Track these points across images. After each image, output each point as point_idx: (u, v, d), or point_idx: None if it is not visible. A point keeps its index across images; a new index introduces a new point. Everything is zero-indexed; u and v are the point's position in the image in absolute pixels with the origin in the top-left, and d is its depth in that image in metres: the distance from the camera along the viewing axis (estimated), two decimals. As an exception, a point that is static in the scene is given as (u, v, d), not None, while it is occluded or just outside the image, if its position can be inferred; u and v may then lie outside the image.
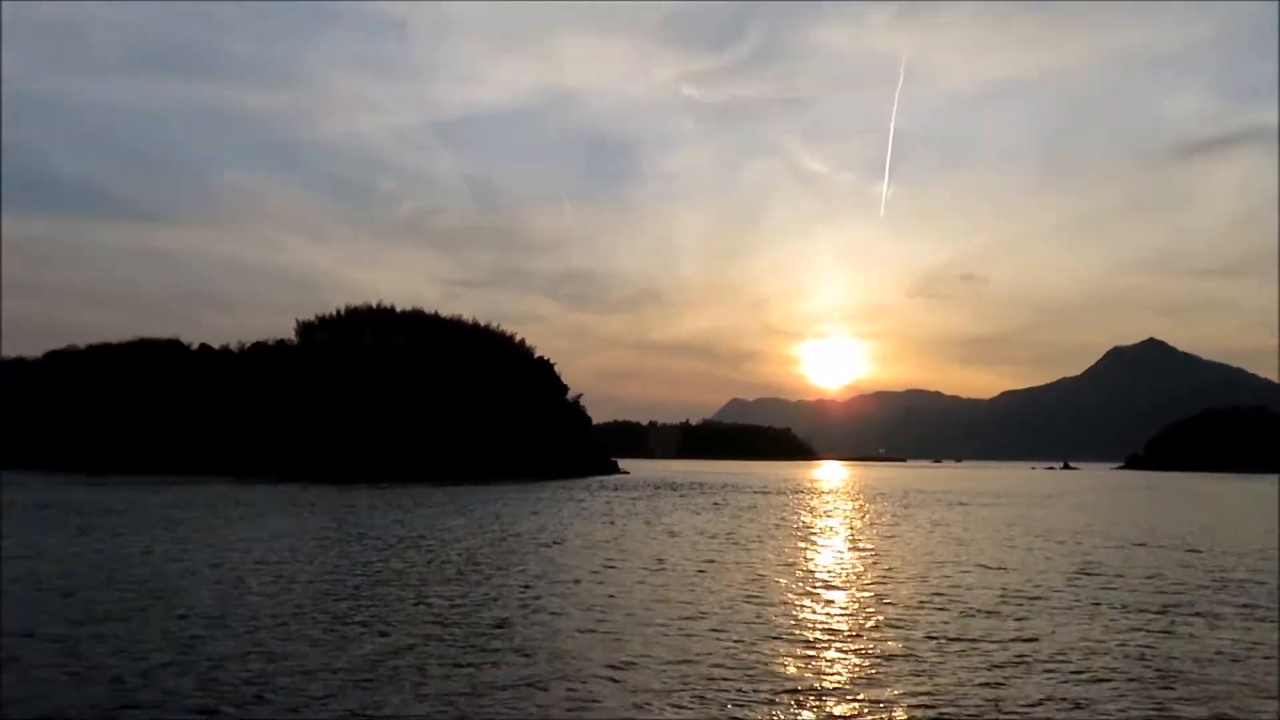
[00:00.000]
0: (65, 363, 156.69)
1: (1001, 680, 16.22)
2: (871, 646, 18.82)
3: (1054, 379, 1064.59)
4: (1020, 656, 18.04)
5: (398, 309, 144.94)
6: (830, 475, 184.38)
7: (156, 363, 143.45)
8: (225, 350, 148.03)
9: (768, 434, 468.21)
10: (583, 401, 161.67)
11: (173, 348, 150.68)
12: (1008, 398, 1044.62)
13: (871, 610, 23.13)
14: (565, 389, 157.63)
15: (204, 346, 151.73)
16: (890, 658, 17.82)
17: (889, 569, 31.53)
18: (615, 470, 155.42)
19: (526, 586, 26.19)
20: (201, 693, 14.63)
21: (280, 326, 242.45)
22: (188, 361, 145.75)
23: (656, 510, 61.72)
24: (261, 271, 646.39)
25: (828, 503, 77.10)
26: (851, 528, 50.86)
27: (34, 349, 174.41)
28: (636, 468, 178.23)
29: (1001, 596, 25.53)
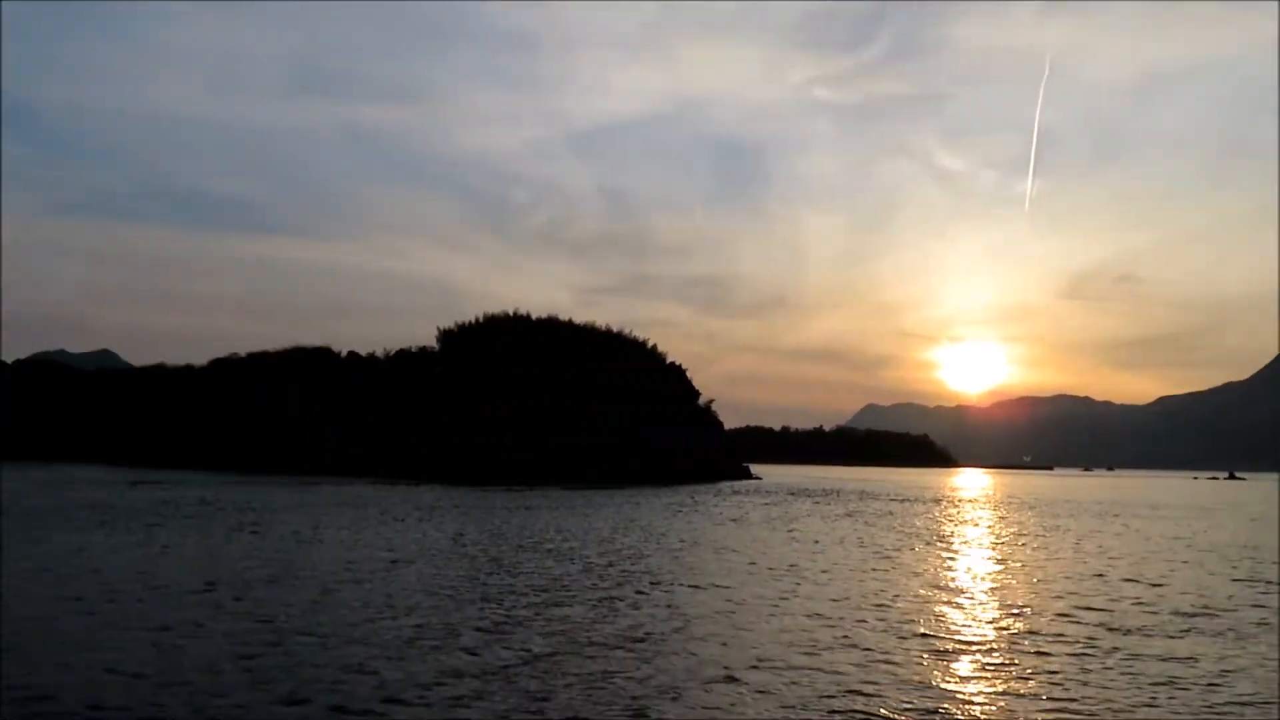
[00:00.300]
0: (228, 370, 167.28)
1: (1151, 702, 15.36)
2: (1011, 660, 18.11)
3: (1218, 383, 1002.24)
4: (1175, 679, 17.02)
5: (533, 316, 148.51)
6: (971, 483, 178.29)
7: (309, 369, 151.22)
8: (371, 357, 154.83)
9: (904, 440, 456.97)
10: (714, 407, 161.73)
11: (323, 355, 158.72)
12: (1166, 403, 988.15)
13: (1012, 623, 22.26)
14: (697, 394, 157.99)
15: (352, 354, 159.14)
16: (1031, 675, 17.11)
17: (1033, 580, 30.28)
18: (747, 475, 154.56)
19: (661, 591, 26.35)
20: (337, 691, 15.29)
21: (422, 333, 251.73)
22: (337, 368, 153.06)
23: (789, 516, 61.08)
24: (403, 281, 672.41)
25: (968, 511, 74.60)
26: (993, 537, 49.07)
27: (200, 357, 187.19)
28: (769, 473, 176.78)
29: (1156, 614, 24.15)
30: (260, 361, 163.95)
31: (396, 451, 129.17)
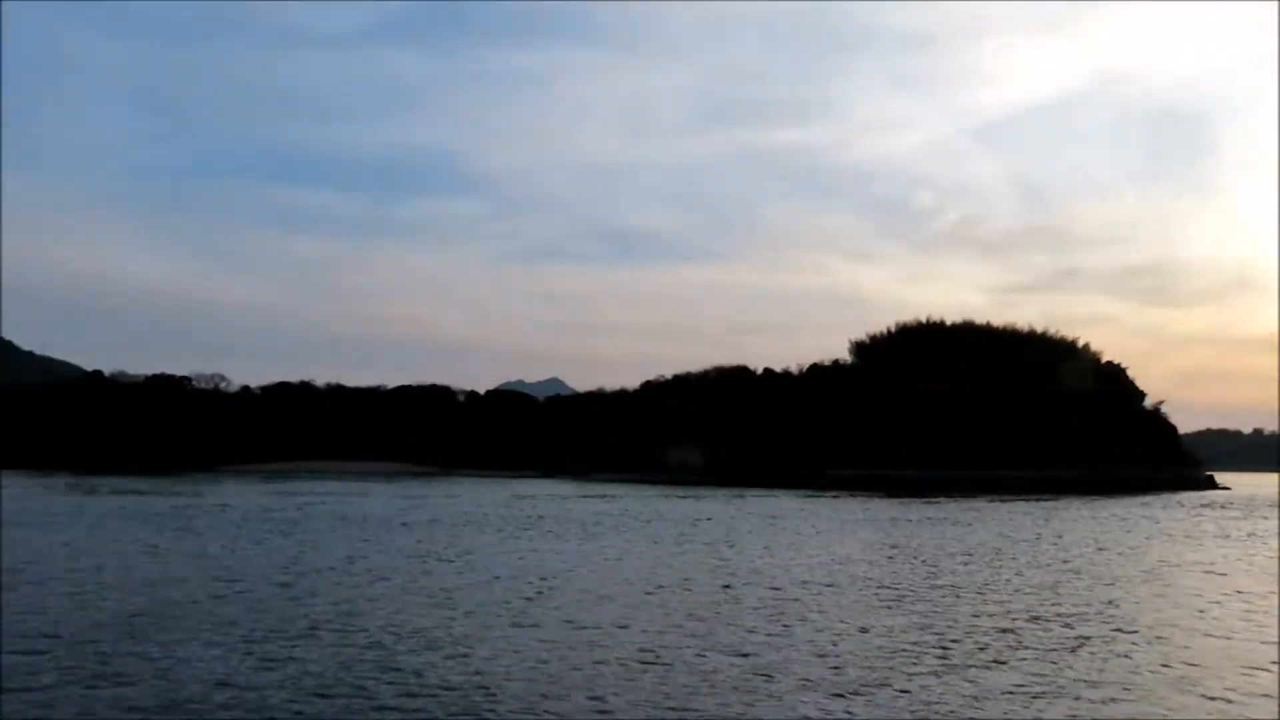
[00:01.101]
0: (656, 390, 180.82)
1: None
2: None
3: None
4: None
5: (946, 322, 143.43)
6: None
7: (729, 387, 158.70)
8: (786, 373, 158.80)
9: None
10: (1164, 409, 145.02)
11: (741, 373, 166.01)
12: None
13: None
14: (1142, 395, 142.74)
15: (767, 370, 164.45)
16: None
17: None
18: (1212, 485, 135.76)
19: (1140, 627, 23.65)
20: (749, 704, 15.29)
21: (834, 347, 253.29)
22: (754, 385, 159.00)
23: (1261, 534, 52.37)
24: (813, 296, 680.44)
25: None
26: None
27: (632, 380, 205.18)
28: (1239, 482, 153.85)
29: None
30: (684, 382, 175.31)
31: (813, 464, 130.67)
